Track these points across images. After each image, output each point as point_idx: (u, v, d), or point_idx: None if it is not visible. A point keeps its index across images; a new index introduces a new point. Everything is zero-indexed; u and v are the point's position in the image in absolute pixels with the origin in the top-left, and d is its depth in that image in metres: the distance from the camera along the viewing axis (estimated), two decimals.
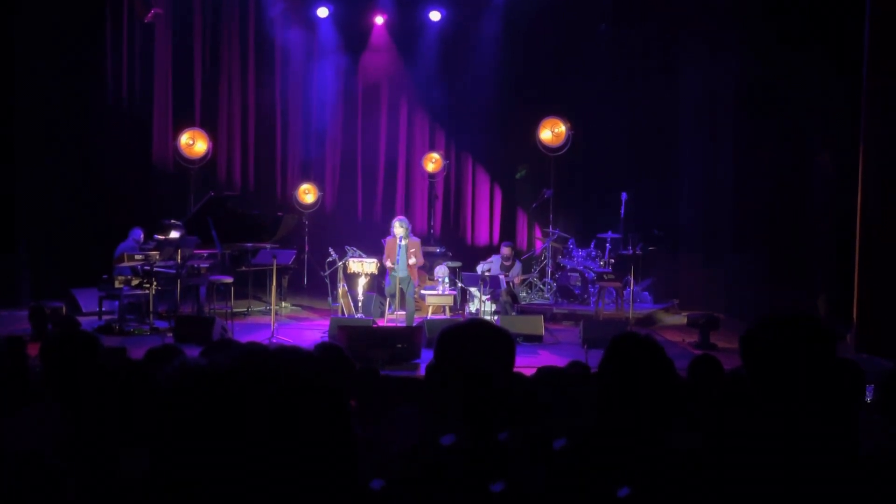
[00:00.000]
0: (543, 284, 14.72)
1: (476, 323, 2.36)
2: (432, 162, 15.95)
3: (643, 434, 2.33)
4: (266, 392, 1.07)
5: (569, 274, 14.26)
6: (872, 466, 2.31)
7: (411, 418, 3.14)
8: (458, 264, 13.94)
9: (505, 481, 2.13)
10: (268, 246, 13.38)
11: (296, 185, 15.77)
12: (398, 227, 11.85)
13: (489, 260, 13.62)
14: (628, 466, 2.27)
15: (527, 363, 8.71)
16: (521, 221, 16.55)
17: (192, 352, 3.92)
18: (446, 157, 16.17)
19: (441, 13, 15.98)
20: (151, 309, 11.71)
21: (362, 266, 12.83)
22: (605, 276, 13.28)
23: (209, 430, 1.07)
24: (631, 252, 13.56)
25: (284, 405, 1.08)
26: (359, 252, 13.20)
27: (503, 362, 2.29)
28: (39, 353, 3.08)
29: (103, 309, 12.04)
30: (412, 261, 11.94)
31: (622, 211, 14.00)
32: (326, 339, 10.65)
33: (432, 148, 16.37)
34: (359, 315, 12.37)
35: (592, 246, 14.42)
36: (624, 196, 14.01)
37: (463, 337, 2.30)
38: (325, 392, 1.09)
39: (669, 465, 2.31)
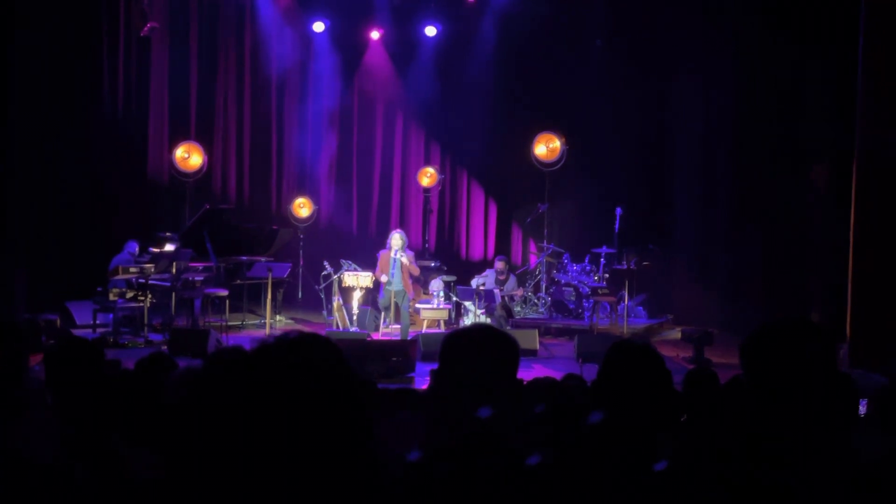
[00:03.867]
0: (538, 299, 14.73)
1: (481, 328, 2.38)
2: (427, 176, 15.98)
3: (640, 442, 2.35)
4: (289, 382, 1.09)
5: (563, 288, 14.28)
6: (868, 478, 2.33)
7: (413, 423, 3.16)
8: (452, 278, 13.95)
9: (541, 454, 2.13)
10: (263, 259, 13.38)
11: (291, 199, 15.78)
12: (397, 240, 11.88)
13: (484, 274, 13.65)
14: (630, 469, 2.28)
15: (521, 377, 8.70)
16: (516, 236, 16.58)
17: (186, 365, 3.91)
18: (441, 171, 16.20)
19: (437, 28, 16.03)
20: (146, 322, 11.70)
21: (357, 280, 12.84)
22: (599, 290, 13.30)
23: (227, 426, 1.09)
24: (625, 267, 13.60)
25: (305, 394, 1.10)
26: (354, 266, 13.22)
27: (507, 367, 2.31)
28: (43, 361, 3.10)
29: (98, 322, 12.02)
30: (416, 271, 12.01)
31: (617, 226, 14.05)
32: None
33: (427, 162, 16.40)
34: (353, 329, 12.38)
35: (587, 260, 14.44)
36: (619, 211, 14.05)
37: (468, 342, 2.32)
38: (344, 381, 1.10)
39: (667, 476, 2.33)
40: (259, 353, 1.17)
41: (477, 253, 16.57)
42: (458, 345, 2.31)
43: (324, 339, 1.34)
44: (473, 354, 2.29)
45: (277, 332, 1.31)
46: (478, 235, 16.65)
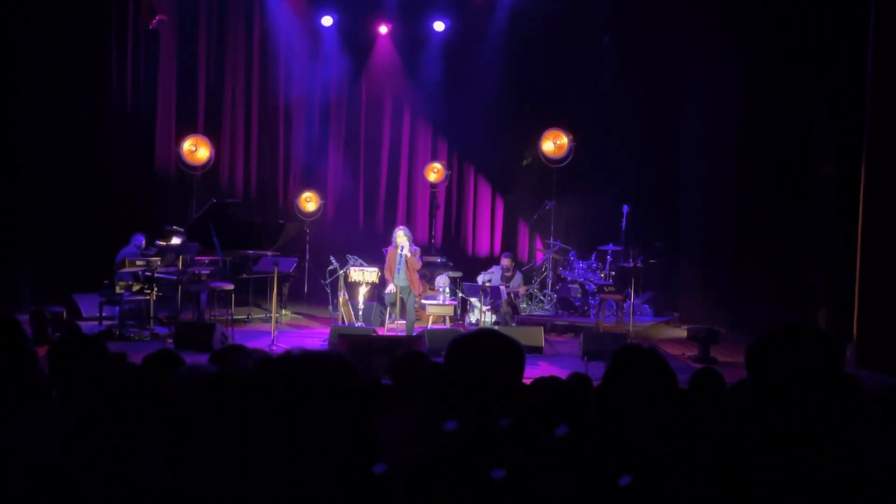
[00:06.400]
0: (544, 296, 14.71)
1: (487, 333, 2.37)
2: (434, 172, 15.97)
3: (645, 445, 2.33)
4: (292, 396, 1.08)
5: (569, 286, 14.26)
6: (875, 482, 2.31)
7: (408, 413, 3.15)
8: (458, 274, 13.95)
9: (506, 468, 2.12)
10: (269, 253, 13.38)
11: (298, 193, 15.78)
12: (401, 237, 11.86)
13: (490, 270, 13.64)
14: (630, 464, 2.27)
15: (526, 374, 8.67)
16: (523, 232, 16.56)
17: (191, 358, 3.91)
18: (448, 167, 16.18)
19: (445, 23, 16.01)
20: (152, 315, 11.72)
21: (363, 275, 12.83)
22: (605, 288, 13.27)
23: (231, 433, 1.08)
24: (632, 264, 13.57)
25: (307, 409, 1.09)
26: (360, 261, 13.20)
27: (512, 373, 2.30)
28: (46, 356, 3.11)
29: (104, 314, 12.05)
30: (417, 265, 11.98)
31: (623, 223, 14.01)
32: (326, 347, 10.64)
33: (434, 158, 16.39)
34: (359, 324, 12.38)
35: (593, 258, 14.42)
36: (626, 208, 14.02)
37: (474, 346, 2.31)
38: (347, 397, 1.10)
39: (671, 479, 2.32)
40: (263, 370, 1.17)
41: (483, 249, 16.55)
42: (464, 348, 2.30)
43: (326, 355, 1.33)
44: (479, 359, 2.27)
45: (280, 348, 1.31)
46: (484, 231, 16.63)
